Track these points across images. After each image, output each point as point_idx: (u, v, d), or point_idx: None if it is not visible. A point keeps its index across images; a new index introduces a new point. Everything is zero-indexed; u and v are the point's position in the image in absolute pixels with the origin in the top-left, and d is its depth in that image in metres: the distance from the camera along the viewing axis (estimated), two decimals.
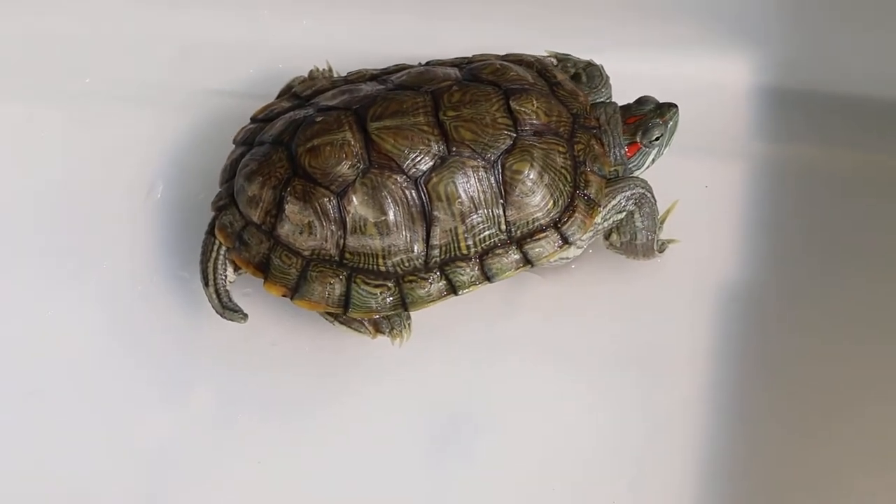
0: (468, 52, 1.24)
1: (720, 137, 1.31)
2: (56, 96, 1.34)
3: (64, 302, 1.22)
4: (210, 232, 1.15)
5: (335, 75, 1.26)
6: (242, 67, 1.35)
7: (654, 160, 1.19)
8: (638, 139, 1.16)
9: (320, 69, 1.27)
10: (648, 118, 1.17)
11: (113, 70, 1.35)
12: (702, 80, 1.32)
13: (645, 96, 1.19)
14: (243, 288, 1.19)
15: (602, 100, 1.22)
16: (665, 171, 1.20)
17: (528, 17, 1.35)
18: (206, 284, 1.15)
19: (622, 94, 1.22)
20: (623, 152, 1.16)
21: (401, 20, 1.36)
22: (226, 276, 1.15)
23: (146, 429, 1.17)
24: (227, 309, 1.15)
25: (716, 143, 1.31)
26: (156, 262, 1.24)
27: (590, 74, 1.23)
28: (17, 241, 1.26)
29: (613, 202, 1.15)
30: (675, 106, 1.17)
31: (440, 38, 1.35)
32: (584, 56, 1.25)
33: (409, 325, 1.15)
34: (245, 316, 1.15)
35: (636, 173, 1.18)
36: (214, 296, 1.15)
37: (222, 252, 1.14)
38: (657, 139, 1.16)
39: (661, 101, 1.18)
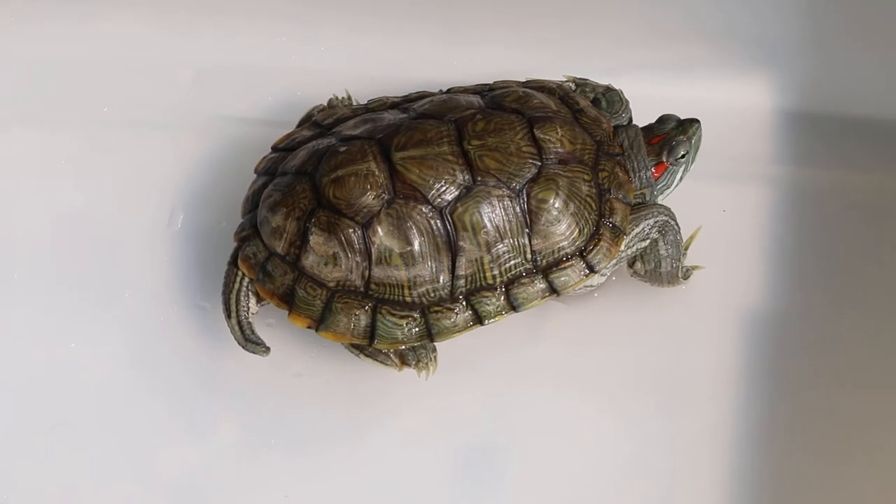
0: (486, 76, 1.24)
1: (740, 161, 1.31)
2: (76, 123, 1.33)
3: (87, 333, 1.21)
4: (233, 263, 1.14)
5: (354, 103, 1.26)
6: (261, 94, 1.34)
7: (682, 178, 1.18)
8: (664, 158, 1.16)
9: (339, 98, 1.27)
10: (672, 136, 1.16)
11: (132, 96, 1.35)
12: (721, 104, 1.31)
13: (666, 115, 1.19)
14: (267, 318, 1.19)
15: (622, 123, 1.22)
16: (685, 197, 1.20)
17: (545, 41, 1.35)
18: (229, 316, 1.14)
19: (640, 116, 1.22)
20: (650, 174, 1.16)
21: (419, 45, 1.36)
22: (248, 308, 1.14)
23: (171, 460, 1.16)
24: (250, 341, 1.14)
25: (735, 167, 1.30)
26: (177, 292, 1.23)
27: (609, 99, 1.23)
28: (39, 271, 1.25)
29: (637, 230, 1.15)
30: (697, 121, 1.17)
31: (458, 63, 1.35)
32: (602, 80, 1.25)
33: (434, 357, 1.14)
34: (267, 349, 1.14)
35: (667, 192, 1.18)
36: (237, 328, 1.14)
37: (245, 283, 1.14)
38: (683, 156, 1.16)
39: (682, 118, 1.18)
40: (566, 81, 1.24)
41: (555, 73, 1.25)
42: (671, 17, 1.32)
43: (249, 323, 1.14)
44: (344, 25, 1.36)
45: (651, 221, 1.15)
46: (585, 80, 1.24)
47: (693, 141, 1.17)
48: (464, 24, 1.35)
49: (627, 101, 1.23)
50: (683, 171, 1.18)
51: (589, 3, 1.32)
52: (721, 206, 1.27)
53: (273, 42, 1.37)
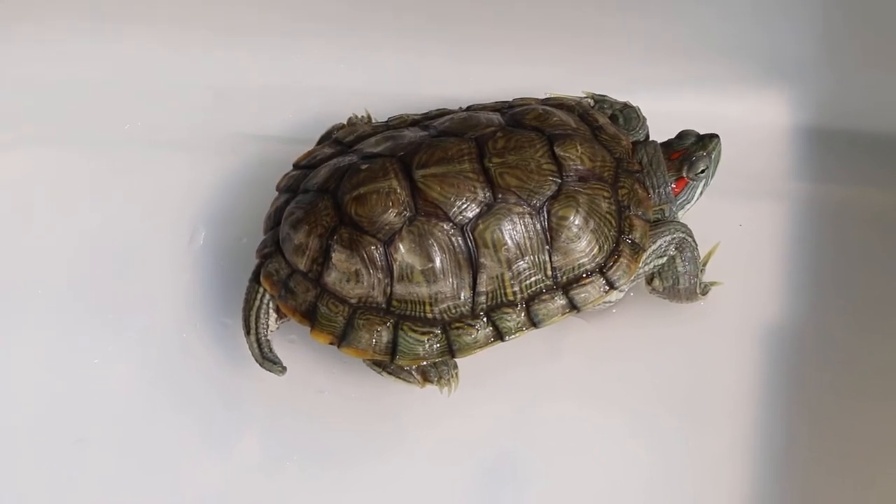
0: (503, 92, 1.25)
1: (756, 177, 1.32)
2: (96, 142, 1.34)
3: (108, 350, 1.22)
4: (255, 279, 1.15)
5: (374, 121, 1.27)
6: (280, 112, 1.35)
7: (702, 192, 1.19)
8: (684, 173, 1.17)
9: (359, 116, 1.27)
10: (692, 151, 1.17)
11: (152, 116, 1.36)
12: (736, 120, 1.32)
13: (685, 130, 1.20)
14: (288, 335, 1.19)
15: (640, 139, 1.23)
16: (702, 213, 1.20)
17: (561, 57, 1.35)
18: (248, 333, 1.15)
19: (656, 132, 1.23)
20: (669, 190, 1.17)
21: (436, 62, 1.37)
22: (267, 325, 1.15)
23: (192, 477, 1.16)
24: (267, 359, 1.15)
25: (752, 184, 1.31)
26: (199, 308, 1.24)
27: (626, 116, 1.24)
28: (61, 288, 1.25)
29: (654, 246, 1.16)
30: (717, 136, 1.18)
31: (475, 79, 1.35)
32: (618, 95, 1.26)
33: (456, 373, 1.15)
34: (284, 369, 1.14)
35: (687, 207, 1.19)
36: (255, 345, 1.15)
37: (265, 300, 1.14)
38: (703, 171, 1.17)
39: (701, 133, 1.19)
40: (585, 98, 1.25)
41: (571, 89, 1.26)
42: (687, 33, 1.33)
43: (268, 341, 1.15)
44: (361, 43, 1.37)
45: (668, 238, 1.16)
46: (604, 96, 1.25)
47: (713, 156, 1.17)
48: (480, 41, 1.36)
49: (645, 118, 1.23)
50: (703, 185, 1.19)
51: (604, 21, 1.33)
52: (738, 222, 1.28)
53: (291, 61, 1.38)
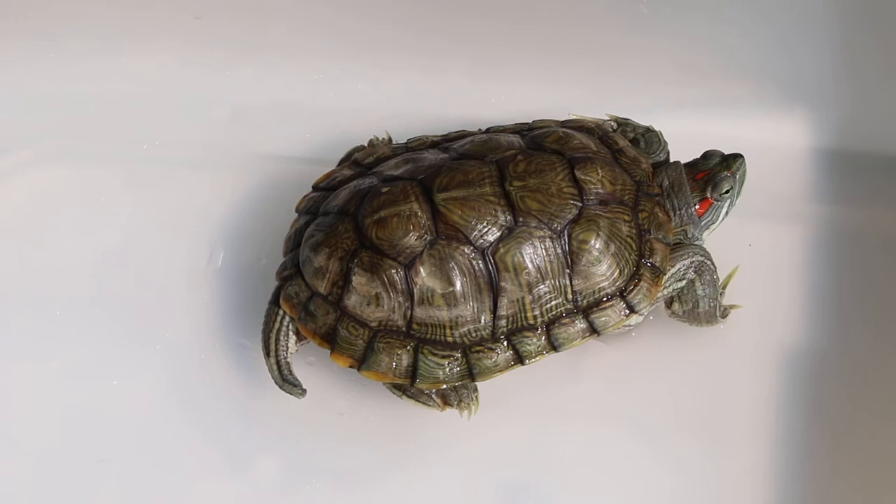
0: (523, 113, 1.25)
1: (776, 199, 1.31)
2: (115, 160, 1.35)
3: (128, 370, 1.22)
4: (274, 302, 1.15)
5: (394, 143, 1.27)
6: (298, 132, 1.35)
7: (727, 213, 1.18)
8: (708, 194, 1.16)
9: (379, 138, 1.27)
10: (716, 172, 1.17)
11: (171, 134, 1.36)
12: (756, 141, 1.30)
13: (710, 150, 1.19)
14: (308, 357, 1.19)
15: (660, 161, 1.22)
16: (721, 235, 1.20)
17: (579, 78, 1.35)
18: (268, 355, 1.15)
19: (676, 153, 1.23)
20: (692, 211, 1.16)
21: (455, 83, 1.37)
22: (287, 348, 1.15)
23: (212, 498, 1.17)
24: (287, 382, 1.14)
25: (772, 205, 1.31)
26: (217, 329, 1.24)
27: (648, 140, 1.23)
28: (80, 308, 1.25)
29: (673, 270, 1.15)
30: (741, 156, 1.17)
31: (496, 100, 1.36)
32: (636, 116, 1.26)
33: (476, 396, 1.15)
34: (304, 391, 1.14)
35: (713, 227, 1.18)
36: (275, 367, 1.15)
37: (285, 323, 1.14)
38: (727, 192, 1.16)
39: (725, 153, 1.18)
40: (608, 120, 1.25)
41: (590, 110, 1.26)
42: (706, 55, 1.33)
43: (288, 363, 1.15)
44: (379, 63, 1.38)
45: (687, 262, 1.16)
46: (627, 119, 1.25)
47: (738, 176, 1.17)
48: (500, 61, 1.36)
49: (666, 143, 1.23)
50: (728, 206, 1.18)
51: (624, 42, 1.33)
52: (758, 244, 1.27)
53: (310, 80, 1.38)
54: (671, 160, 1.22)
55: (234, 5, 1.35)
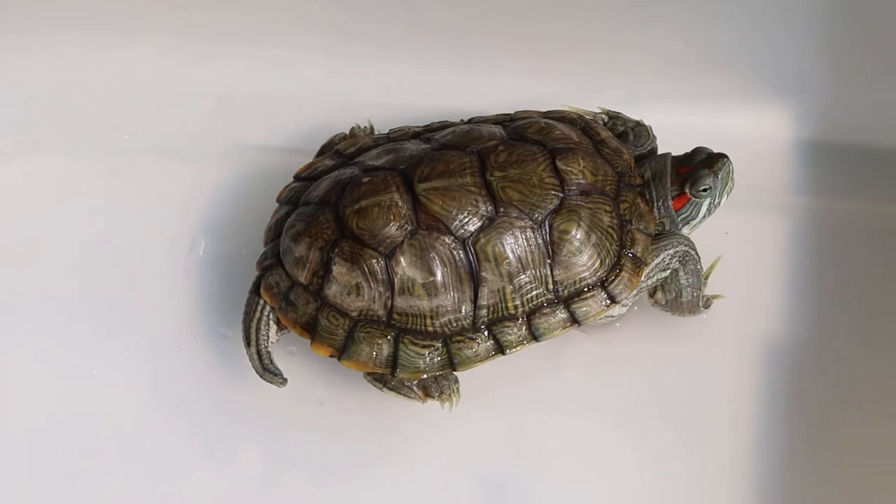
0: (507, 104, 1.24)
1: (759, 191, 1.31)
2: (97, 150, 1.34)
3: (108, 360, 1.22)
4: (255, 292, 1.15)
5: (376, 132, 1.26)
6: (282, 122, 1.35)
7: (709, 211, 1.18)
8: (686, 190, 1.16)
9: (361, 127, 1.27)
10: (697, 169, 1.16)
11: (153, 124, 1.35)
12: (740, 133, 1.31)
13: (700, 147, 1.18)
14: (288, 346, 1.19)
15: (644, 153, 1.22)
16: (704, 226, 1.20)
17: (565, 71, 1.35)
18: (248, 345, 1.15)
19: (660, 146, 1.23)
20: (669, 203, 1.16)
21: (440, 73, 1.36)
22: (268, 337, 1.14)
23: (193, 488, 1.16)
24: (268, 371, 1.14)
25: (755, 197, 1.30)
26: (199, 319, 1.23)
27: (637, 133, 1.23)
28: (60, 298, 1.25)
29: (657, 260, 1.15)
30: (725, 156, 1.16)
31: (479, 91, 1.35)
32: (622, 108, 1.26)
33: (457, 388, 1.15)
34: (284, 380, 1.14)
35: (692, 223, 1.18)
36: (256, 357, 1.14)
37: (266, 312, 1.14)
38: (705, 190, 1.16)
39: (713, 152, 1.17)
40: (599, 113, 1.25)
41: (577, 102, 1.26)
42: (690, 47, 1.32)
43: (268, 352, 1.15)
44: (364, 54, 1.37)
45: (671, 252, 1.16)
46: (618, 113, 1.25)
47: (720, 175, 1.16)
48: (485, 53, 1.35)
49: (655, 137, 1.23)
50: (710, 204, 1.17)
51: (610, 34, 1.33)
52: (741, 235, 1.27)
53: (293, 70, 1.37)
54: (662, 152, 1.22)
55: None
